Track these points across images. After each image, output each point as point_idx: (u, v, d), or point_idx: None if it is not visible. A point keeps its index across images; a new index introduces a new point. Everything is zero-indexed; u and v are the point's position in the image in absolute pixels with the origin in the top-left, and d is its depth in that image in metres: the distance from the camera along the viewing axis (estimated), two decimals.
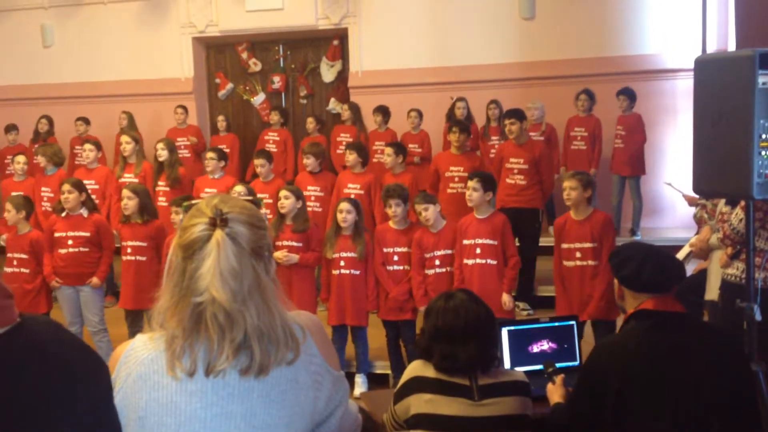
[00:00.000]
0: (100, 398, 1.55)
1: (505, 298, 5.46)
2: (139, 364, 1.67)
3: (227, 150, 8.89)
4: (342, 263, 5.66)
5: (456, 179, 7.09)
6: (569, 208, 5.38)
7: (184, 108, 9.44)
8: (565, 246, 5.32)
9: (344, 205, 5.63)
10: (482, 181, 5.48)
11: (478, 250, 5.44)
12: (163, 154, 7.40)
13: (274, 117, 9.32)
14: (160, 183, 7.41)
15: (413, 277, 5.58)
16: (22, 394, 1.41)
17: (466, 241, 5.48)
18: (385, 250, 5.68)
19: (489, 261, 5.44)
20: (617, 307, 5.16)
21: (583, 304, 5.18)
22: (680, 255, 5.27)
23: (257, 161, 7.26)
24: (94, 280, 5.99)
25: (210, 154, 7.43)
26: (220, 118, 9.46)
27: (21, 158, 7.81)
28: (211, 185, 7.19)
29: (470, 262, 5.46)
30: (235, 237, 1.65)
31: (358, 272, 5.66)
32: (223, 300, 1.61)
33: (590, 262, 5.21)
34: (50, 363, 1.47)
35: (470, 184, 5.50)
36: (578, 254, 5.24)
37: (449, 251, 5.53)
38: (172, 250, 1.70)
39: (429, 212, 5.47)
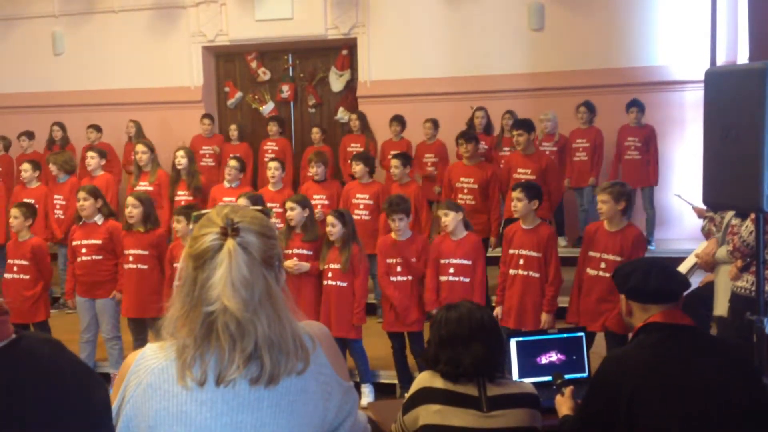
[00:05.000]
0: (97, 415, 1.53)
1: (546, 318, 5.39)
2: (149, 374, 1.67)
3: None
4: (330, 275, 5.67)
5: (465, 190, 7.07)
6: (601, 218, 5.30)
7: (211, 118, 9.53)
8: (591, 254, 5.26)
9: (330, 218, 5.65)
10: (526, 190, 5.41)
11: (521, 261, 5.41)
12: (183, 163, 7.41)
13: (273, 128, 9.36)
14: (180, 192, 7.41)
15: (427, 279, 5.58)
16: (17, 410, 1.40)
17: (511, 251, 5.47)
18: (387, 261, 5.67)
19: (531, 273, 5.39)
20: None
21: (596, 315, 5.15)
22: (685, 266, 5.26)
23: (272, 164, 7.27)
24: (117, 295, 5.99)
25: (233, 163, 7.42)
26: (232, 127, 9.49)
27: (27, 166, 7.82)
28: (228, 194, 7.16)
29: (513, 272, 5.45)
30: (247, 246, 1.65)
31: (344, 284, 5.65)
32: (235, 309, 1.61)
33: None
34: (46, 380, 1.44)
35: (513, 194, 5.43)
36: (603, 264, 5.16)
37: (466, 261, 5.50)
38: (182, 260, 1.71)
39: (448, 218, 5.46)
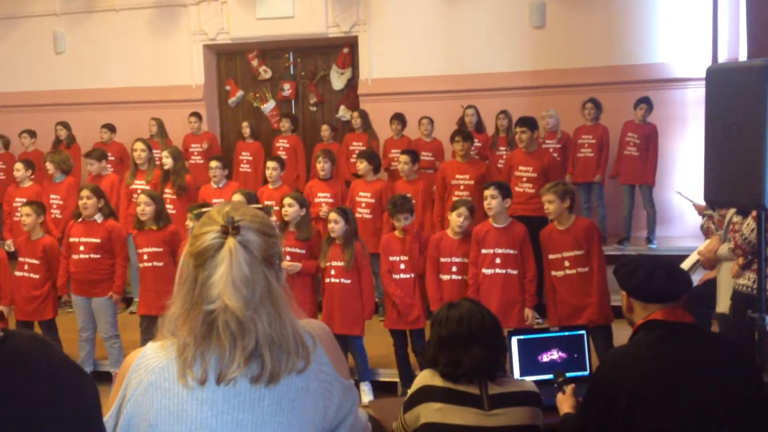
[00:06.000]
0: (87, 415, 1.52)
1: (528, 314, 5.45)
2: (150, 372, 1.67)
3: (251, 158, 8.95)
4: (332, 272, 5.67)
5: (461, 187, 7.10)
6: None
7: (197, 115, 9.49)
8: (552, 256, 5.34)
9: (332, 215, 5.64)
10: (499, 188, 5.47)
11: (497, 260, 5.44)
12: (167, 162, 7.41)
13: (285, 124, 9.36)
14: (167, 191, 7.43)
15: (428, 279, 5.59)
16: (5, 409, 1.39)
17: (484, 251, 5.47)
18: (391, 258, 5.67)
19: (509, 271, 5.44)
20: (612, 312, 5.21)
21: (575, 313, 5.19)
22: (688, 263, 5.25)
23: (270, 164, 7.26)
24: (115, 296, 6.01)
25: (215, 163, 7.42)
26: (245, 124, 9.44)
27: (19, 165, 7.81)
28: (216, 195, 7.18)
29: (489, 271, 5.46)
30: (247, 245, 1.66)
31: (348, 281, 5.65)
32: (236, 308, 1.61)
33: (580, 270, 5.22)
34: (34, 378, 1.43)
35: (487, 192, 5.47)
36: (566, 263, 5.26)
37: (467, 260, 5.52)
38: (183, 259, 1.70)
39: (469, 222, 5.52)
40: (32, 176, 7.85)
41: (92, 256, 5.95)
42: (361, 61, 9.85)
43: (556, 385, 3.25)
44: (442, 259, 5.56)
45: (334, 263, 5.65)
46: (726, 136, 3.35)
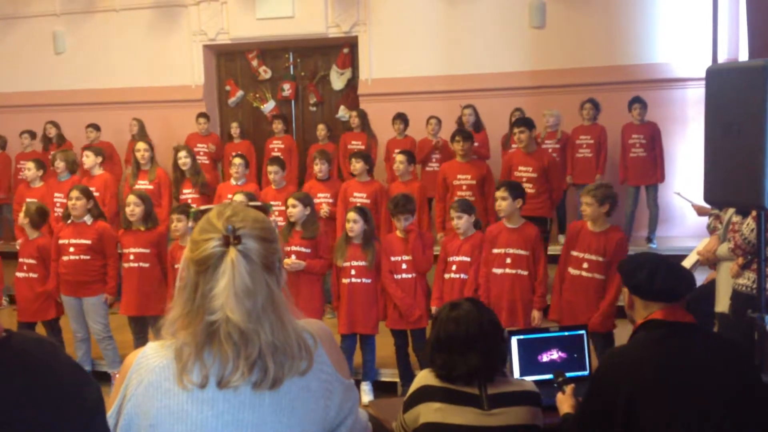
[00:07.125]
0: (89, 415, 1.53)
1: (536, 315, 5.41)
2: (150, 372, 1.67)
3: None
4: (353, 272, 5.66)
5: (464, 187, 7.09)
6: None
7: (206, 116, 9.52)
8: (574, 253, 5.27)
9: (351, 215, 5.64)
10: (509, 188, 5.43)
11: (508, 260, 5.41)
12: (187, 162, 7.43)
13: (278, 125, 9.39)
14: (185, 191, 7.43)
15: (436, 278, 5.62)
16: (7, 409, 1.39)
17: (495, 250, 5.45)
18: (392, 258, 5.67)
19: (520, 272, 5.39)
20: (614, 319, 5.16)
21: (578, 314, 5.14)
22: (687, 263, 5.25)
23: (271, 168, 7.27)
24: (109, 297, 6.00)
25: (237, 161, 7.45)
26: (234, 125, 9.49)
27: (30, 165, 7.81)
28: (234, 191, 7.15)
29: (499, 271, 5.44)
30: (248, 254, 1.65)
31: (369, 281, 5.66)
32: (238, 320, 1.61)
33: (596, 275, 5.15)
34: (36, 379, 1.43)
35: (498, 194, 5.44)
36: (585, 264, 5.18)
37: (466, 258, 5.52)
38: (183, 263, 1.70)
39: (462, 221, 5.50)
40: (43, 176, 7.84)
41: (82, 257, 5.92)
42: (361, 61, 9.86)
43: (555, 385, 3.25)
44: (449, 259, 5.58)
45: (354, 263, 5.64)
46: (726, 136, 3.35)
